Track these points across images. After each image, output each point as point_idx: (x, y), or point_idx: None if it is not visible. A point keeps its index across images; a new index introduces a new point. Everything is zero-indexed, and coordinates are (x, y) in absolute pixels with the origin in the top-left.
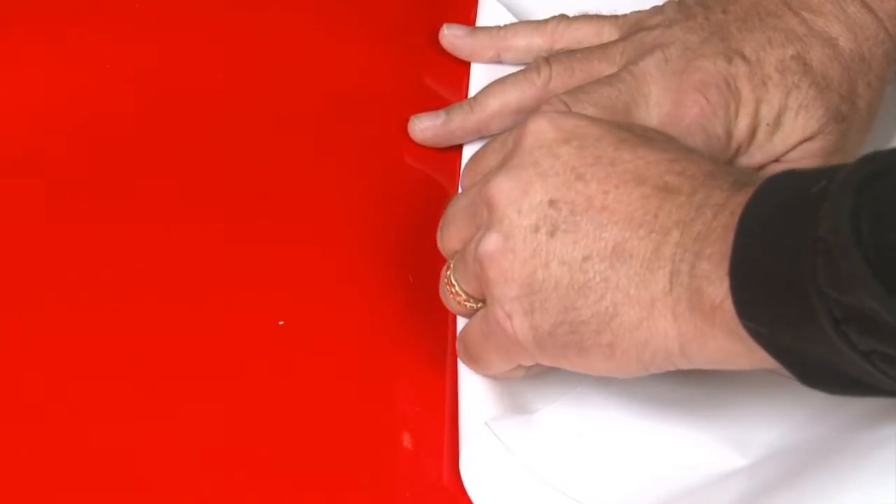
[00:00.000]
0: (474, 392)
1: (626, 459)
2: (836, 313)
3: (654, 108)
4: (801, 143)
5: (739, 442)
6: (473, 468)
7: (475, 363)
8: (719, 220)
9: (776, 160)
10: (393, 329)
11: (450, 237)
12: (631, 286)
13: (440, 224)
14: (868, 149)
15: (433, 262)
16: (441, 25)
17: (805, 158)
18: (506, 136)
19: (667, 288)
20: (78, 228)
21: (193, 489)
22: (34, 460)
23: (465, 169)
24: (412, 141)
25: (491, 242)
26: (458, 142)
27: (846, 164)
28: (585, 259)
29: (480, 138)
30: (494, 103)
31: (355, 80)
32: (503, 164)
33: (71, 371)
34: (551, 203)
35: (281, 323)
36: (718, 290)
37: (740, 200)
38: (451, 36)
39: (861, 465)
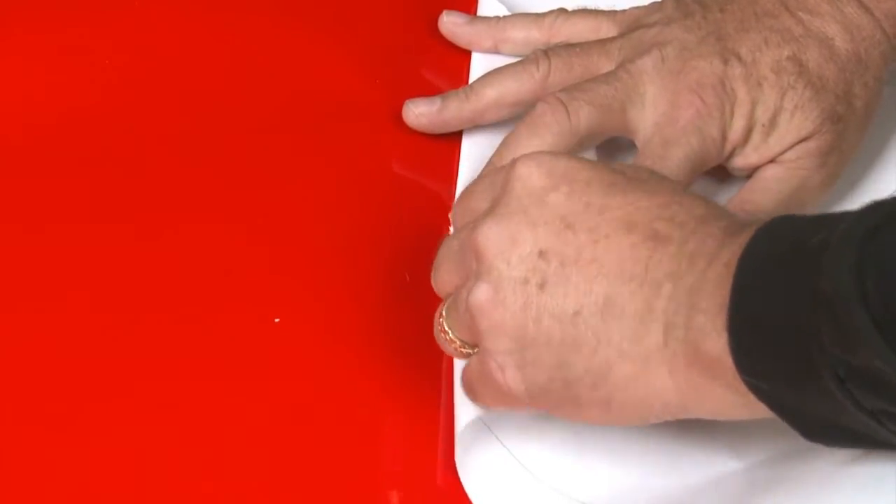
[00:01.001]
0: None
1: (623, 457)
2: (840, 372)
3: (650, 108)
4: (796, 143)
5: (735, 444)
6: (470, 466)
7: (476, 401)
8: (713, 270)
9: (772, 161)
10: (389, 326)
11: (441, 280)
12: (623, 342)
13: (433, 264)
14: (864, 150)
15: (430, 260)
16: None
17: (801, 158)
18: (495, 176)
19: (661, 343)
20: (73, 228)
21: (187, 486)
22: (27, 460)
23: (456, 205)
24: (408, 137)
25: (481, 293)
26: (452, 129)
27: (846, 212)
28: (576, 314)
29: (477, 128)
30: (491, 93)
31: (352, 76)
32: (492, 210)
33: (67, 368)
34: (541, 254)
35: (277, 320)
36: (716, 344)
37: (734, 250)
38: (450, 23)
39: (855, 472)
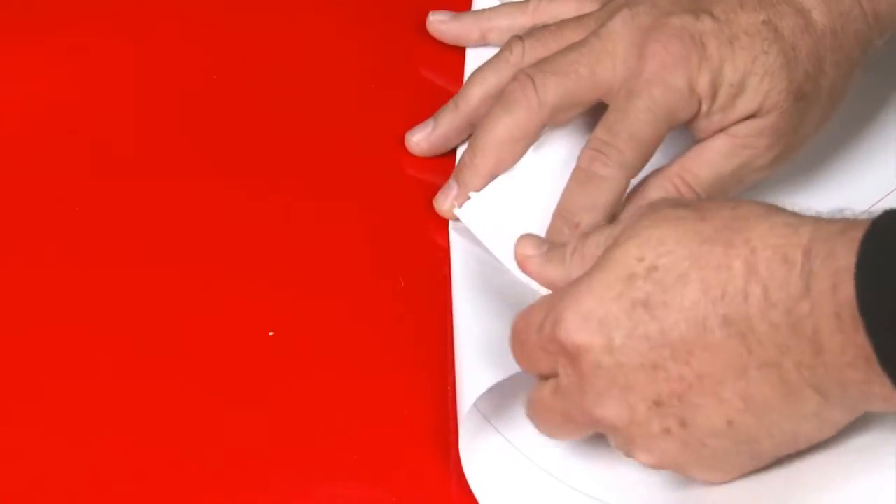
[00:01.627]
0: (472, 388)
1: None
2: None
3: (620, 65)
4: (758, 112)
5: None
6: (473, 462)
7: None
8: (826, 326)
9: (723, 130)
10: (385, 333)
11: (555, 438)
12: (786, 420)
13: (529, 410)
14: (854, 137)
15: (423, 264)
16: None
17: (752, 136)
18: (543, 341)
19: (822, 402)
20: (69, 235)
21: (186, 496)
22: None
23: (512, 341)
24: (402, 140)
25: (647, 459)
26: (454, 143)
27: None
28: (730, 424)
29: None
30: (477, 92)
31: (348, 79)
32: (582, 393)
33: (60, 379)
34: (657, 405)
35: (271, 334)
36: (883, 388)
37: (839, 299)
38: (436, 22)
39: (860, 461)
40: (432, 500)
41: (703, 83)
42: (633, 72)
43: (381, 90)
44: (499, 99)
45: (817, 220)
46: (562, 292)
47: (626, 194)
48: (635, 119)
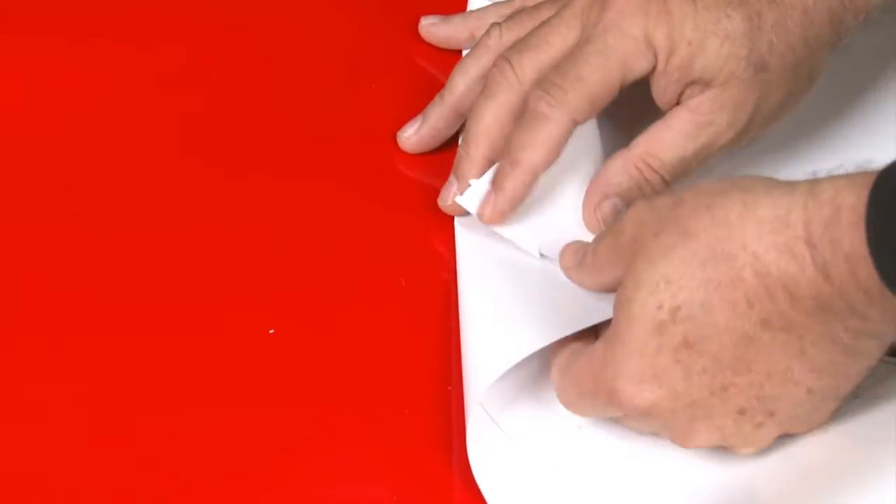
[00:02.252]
0: (476, 388)
1: (625, 451)
2: None
3: (585, 20)
4: (717, 78)
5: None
6: (480, 463)
7: None
8: (860, 301)
9: (682, 102)
10: (385, 333)
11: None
12: (856, 363)
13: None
14: (807, 117)
15: (423, 263)
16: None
17: (714, 112)
18: (594, 390)
19: (881, 343)
20: (69, 234)
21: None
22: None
23: (565, 390)
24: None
25: (751, 451)
26: (444, 136)
27: None
28: (810, 391)
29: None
30: (461, 82)
31: (347, 82)
32: (669, 426)
33: (60, 378)
34: (741, 413)
35: (272, 331)
36: None
37: (861, 279)
38: (427, 25)
39: (860, 464)
40: (432, 500)
41: (659, 35)
42: (592, 22)
43: (381, 91)
44: (483, 86)
45: (802, 205)
46: (602, 359)
47: (594, 177)
48: (584, 62)
